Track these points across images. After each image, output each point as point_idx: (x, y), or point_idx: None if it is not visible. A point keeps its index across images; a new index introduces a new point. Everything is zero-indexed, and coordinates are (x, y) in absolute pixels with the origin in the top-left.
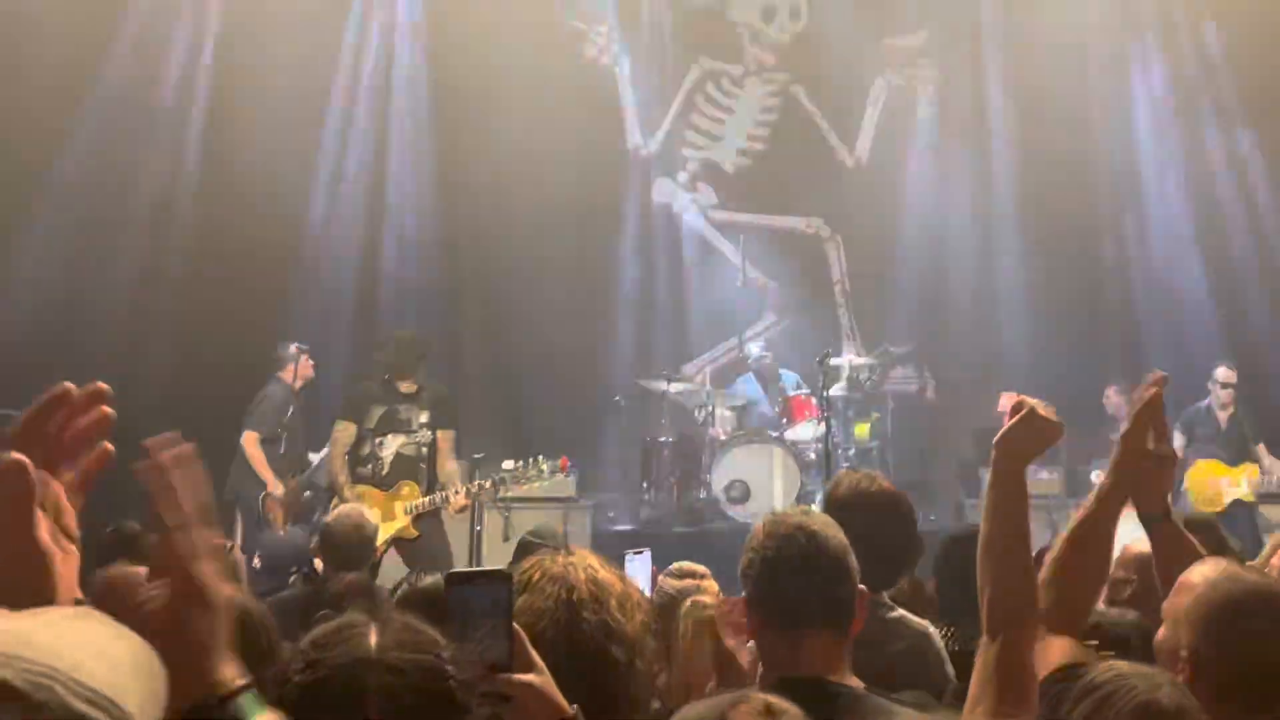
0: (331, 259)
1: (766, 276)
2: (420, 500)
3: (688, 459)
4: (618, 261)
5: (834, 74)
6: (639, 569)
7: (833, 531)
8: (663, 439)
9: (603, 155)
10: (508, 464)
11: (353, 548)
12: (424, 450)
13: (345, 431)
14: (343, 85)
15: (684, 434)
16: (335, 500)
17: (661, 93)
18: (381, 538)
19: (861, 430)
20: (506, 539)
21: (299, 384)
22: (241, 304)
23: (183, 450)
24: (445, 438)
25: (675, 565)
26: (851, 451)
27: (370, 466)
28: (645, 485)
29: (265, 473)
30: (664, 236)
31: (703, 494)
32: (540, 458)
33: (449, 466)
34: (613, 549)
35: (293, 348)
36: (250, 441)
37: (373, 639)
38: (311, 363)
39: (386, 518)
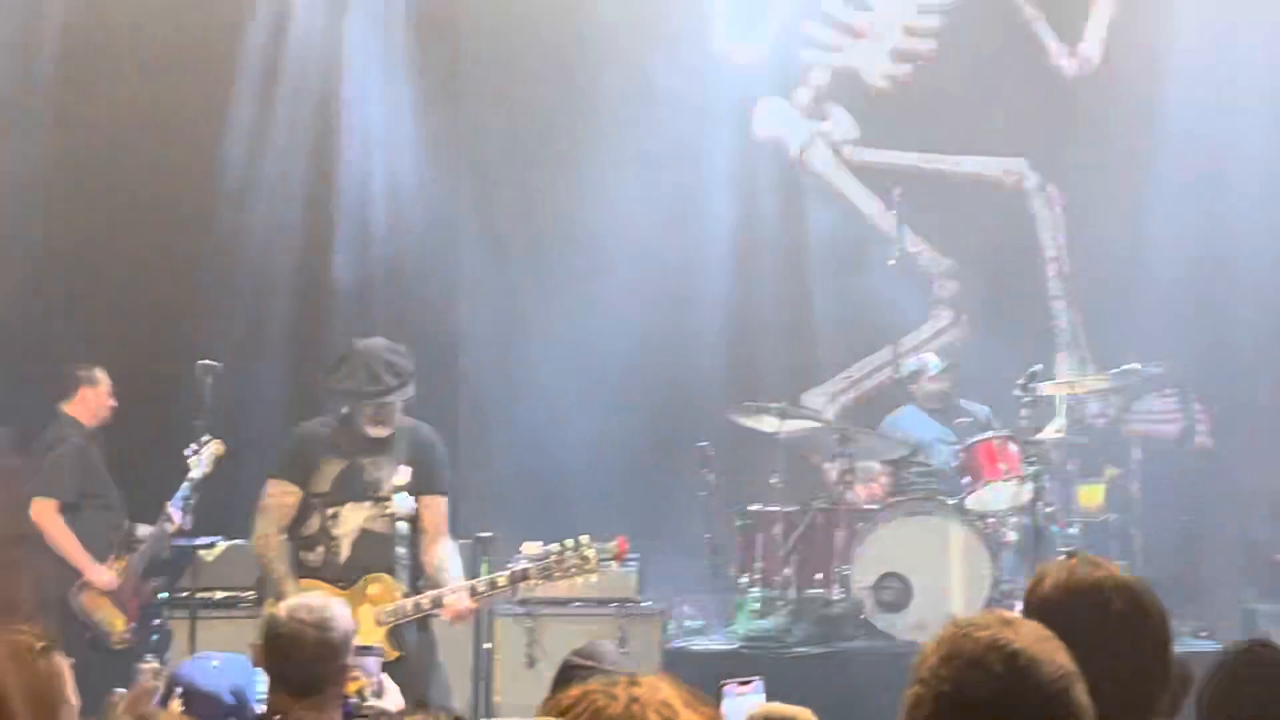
0: (261, 245)
1: (937, 251)
2: (400, 604)
3: (813, 540)
4: (699, 231)
5: None
6: (741, 710)
7: (1048, 653)
8: (773, 508)
9: (674, 64)
10: (532, 546)
11: (314, 663)
12: (402, 526)
13: (283, 497)
14: None
15: (807, 501)
16: (269, 603)
17: None
18: None
19: (1091, 495)
20: (531, 663)
21: (97, 420)
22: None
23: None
24: (434, 506)
25: (767, 712)
26: (1074, 529)
27: (320, 551)
28: (746, 580)
29: (76, 554)
30: (772, 190)
31: (837, 594)
32: (584, 539)
33: (440, 550)
34: (697, 678)
35: (96, 371)
36: (47, 511)
37: None
38: (109, 388)
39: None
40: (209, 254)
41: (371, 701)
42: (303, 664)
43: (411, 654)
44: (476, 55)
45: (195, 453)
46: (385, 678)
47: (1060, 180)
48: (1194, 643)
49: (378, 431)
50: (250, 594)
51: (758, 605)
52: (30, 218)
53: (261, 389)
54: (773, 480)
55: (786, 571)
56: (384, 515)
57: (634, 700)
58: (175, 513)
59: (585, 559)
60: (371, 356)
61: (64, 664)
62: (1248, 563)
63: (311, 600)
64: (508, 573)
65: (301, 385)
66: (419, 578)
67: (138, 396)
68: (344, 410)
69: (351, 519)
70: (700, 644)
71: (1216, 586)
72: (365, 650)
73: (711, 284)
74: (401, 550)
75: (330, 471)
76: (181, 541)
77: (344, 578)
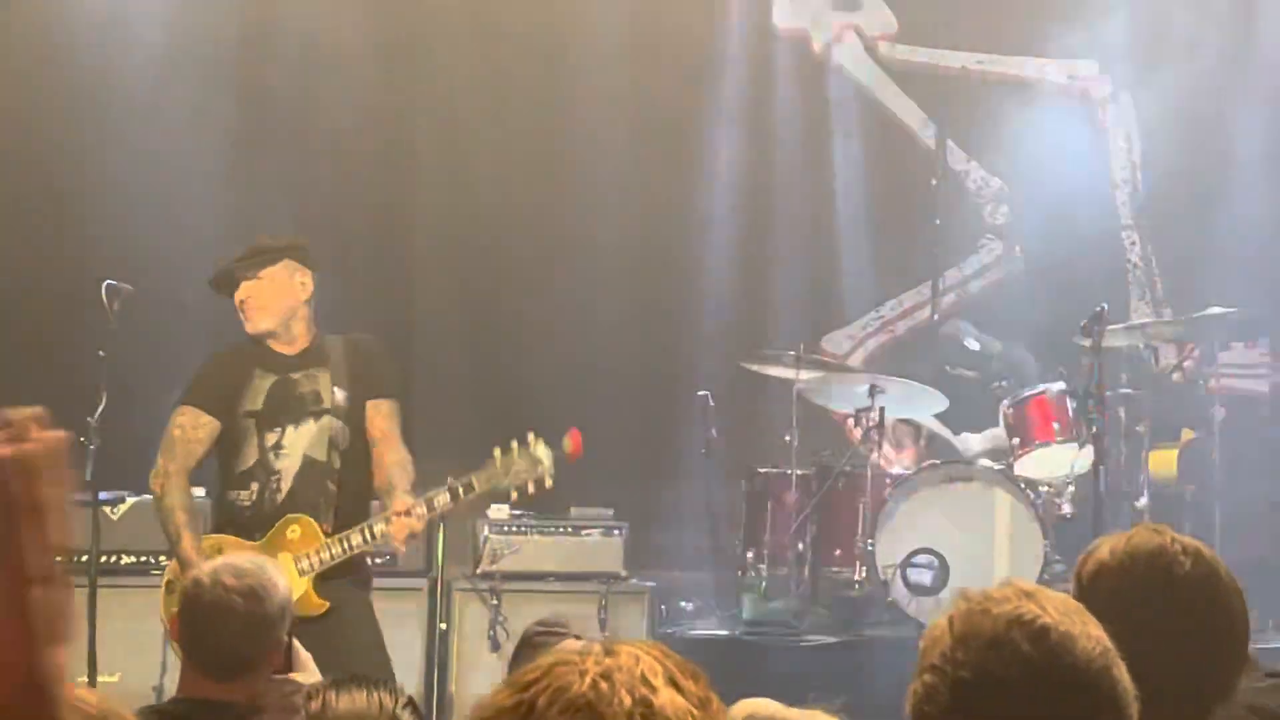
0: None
1: (987, 170)
2: (324, 545)
3: (833, 508)
4: (704, 143)
5: None
6: None
7: (1081, 626)
8: (786, 471)
9: None
10: (497, 511)
11: (242, 640)
12: (338, 455)
13: (192, 430)
14: None
15: (825, 462)
16: (171, 568)
17: None
18: None
19: (1163, 462)
20: (495, 647)
21: None
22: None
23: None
24: (381, 410)
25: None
26: (1143, 499)
27: (255, 489)
28: (751, 554)
29: None
30: (792, 93)
31: (860, 573)
32: (533, 437)
33: (392, 461)
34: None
35: None
36: None
37: None
38: None
39: None
40: (115, 143)
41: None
42: (228, 640)
43: (343, 610)
44: None
45: None
46: (295, 643)
47: (1136, 88)
48: (1271, 639)
49: (287, 345)
50: (163, 559)
51: (765, 585)
52: None
53: (180, 316)
54: (786, 438)
55: (800, 546)
56: (323, 436)
57: (604, 676)
58: None
59: (537, 460)
60: (271, 247)
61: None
62: None
63: (241, 562)
64: (446, 488)
65: (223, 315)
66: (356, 516)
67: (29, 324)
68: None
69: (294, 445)
70: (698, 630)
71: None
72: None
73: (717, 203)
74: (330, 484)
75: (262, 385)
76: (81, 497)
77: (274, 523)
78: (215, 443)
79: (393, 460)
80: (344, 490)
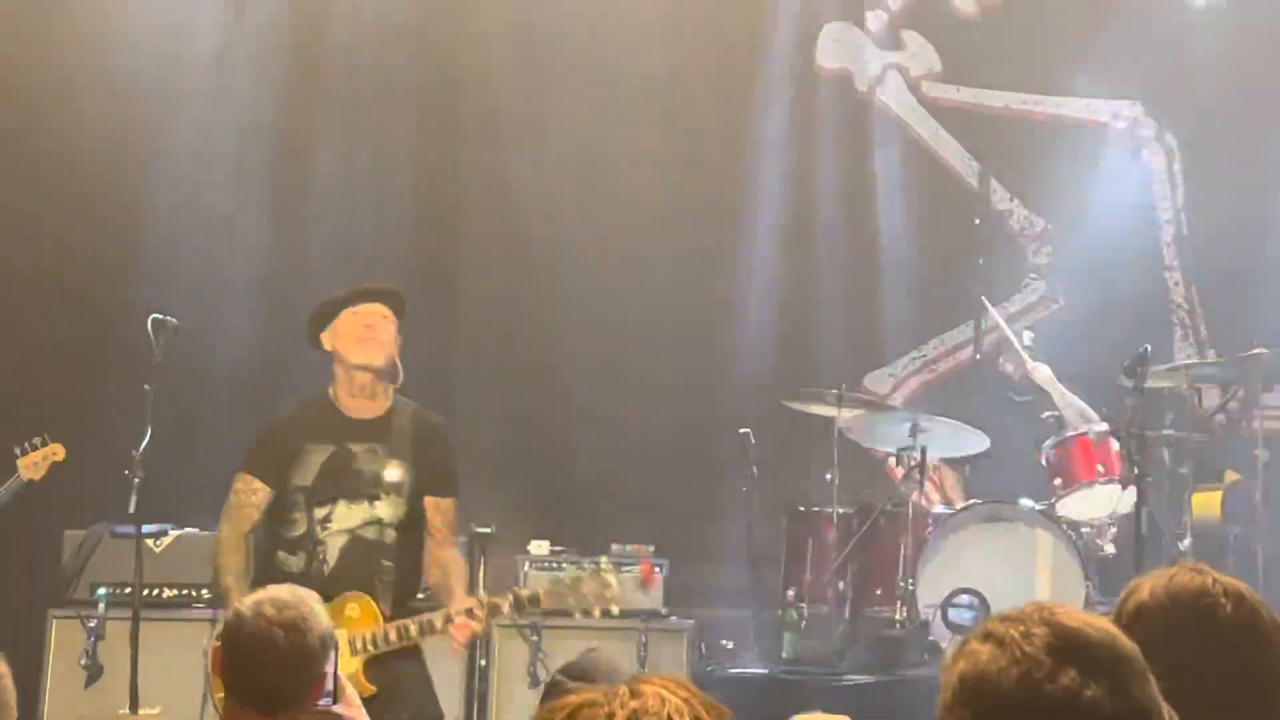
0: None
1: (1030, 210)
2: (382, 631)
3: (874, 547)
4: (748, 180)
5: None
6: None
7: (1125, 664)
8: (826, 510)
9: None
10: (540, 546)
11: (285, 672)
12: (393, 534)
13: (247, 495)
14: None
15: (866, 500)
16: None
17: None
18: None
19: (1207, 503)
20: (535, 683)
21: None
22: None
23: None
24: (443, 510)
25: None
26: (1186, 541)
27: (303, 557)
28: (791, 593)
29: None
30: (835, 132)
31: (901, 613)
32: (604, 561)
33: (448, 559)
34: (731, 710)
35: None
36: None
37: None
38: None
39: None
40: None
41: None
42: (270, 673)
43: (393, 681)
44: None
45: (26, 453)
46: (340, 676)
47: (1181, 129)
48: None
49: (367, 409)
50: (206, 592)
51: (805, 624)
52: None
53: (224, 352)
54: (827, 476)
55: (840, 585)
56: (375, 520)
57: (634, 716)
58: None
59: (606, 584)
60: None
61: (5, 669)
62: None
63: (283, 594)
64: (510, 596)
65: (269, 352)
66: (407, 597)
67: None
68: (328, 392)
69: (343, 521)
70: (737, 668)
71: None
72: None
73: (759, 242)
74: (387, 563)
75: (314, 460)
76: (125, 530)
77: (325, 593)
78: (269, 509)
79: (448, 558)
80: (398, 572)
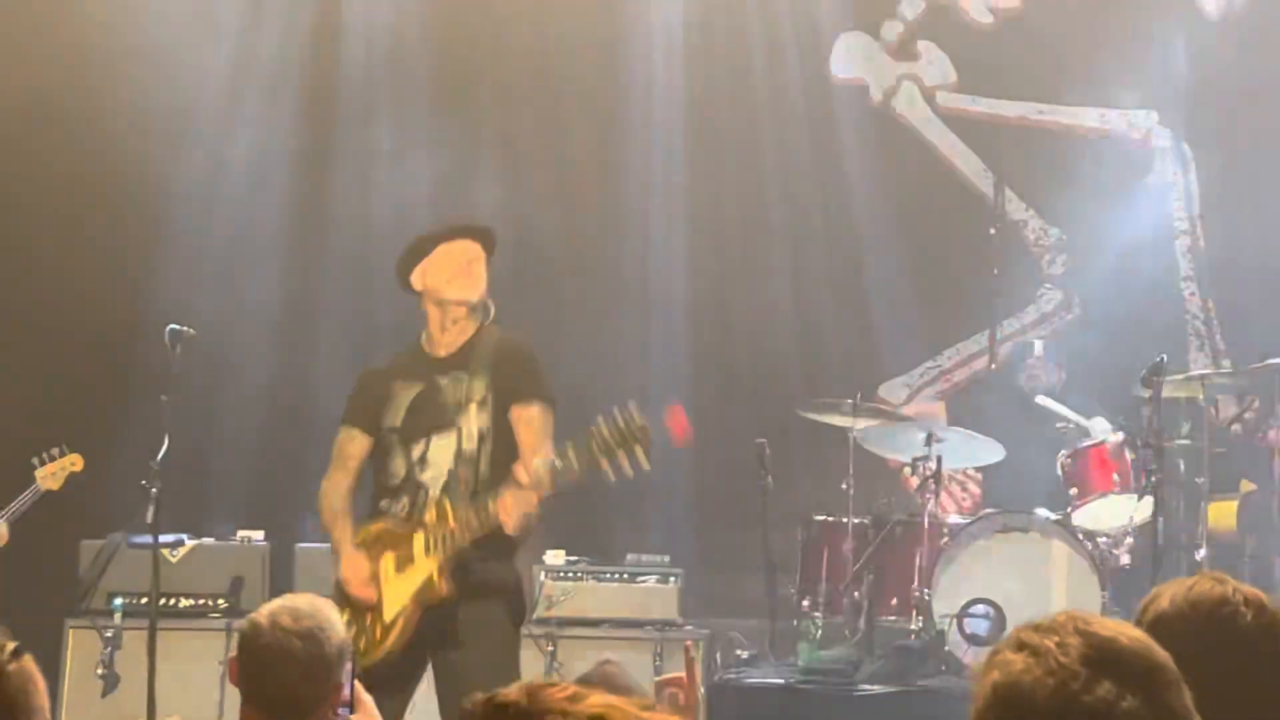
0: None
1: (1046, 220)
2: (450, 529)
3: (888, 558)
4: (765, 191)
5: None
6: None
7: (1160, 673)
8: (842, 519)
9: None
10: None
11: (302, 682)
12: (477, 446)
13: (345, 445)
14: None
15: (882, 510)
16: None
17: None
18: (393, 607)
19: (1223, 513)
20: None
21: None
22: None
23: None
24: (527, 416)
25: None
26: (1202, 551)
27: (405, 503)
28: (807, 602)
29: None
30: (852, 143)
31: (916, 623)
32: (633, 405)
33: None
34: (745, 718)
35: None
36: None
37: None
38: None
39: (401, 567)
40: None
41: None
42: (287, 682)
43: (480, 633)
44: None
45: (45, 463)
46: (357, 685)
47: (1197, 139)
48: None
49: (447, 344)
50: (222, 602)
51: (821, 634)
52: None
53: (243, 364)
54: (843, 486)
55: (856, 595)
56: (474, 442)
57: None
58: (1, 525)
59: (639, 428)
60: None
61: (35, 668)
62: None
63: (299, 604)
64: (575, 446)
65: (288, 363)
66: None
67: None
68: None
69: (440, 458)
70: (753, 678)
71: None
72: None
73: (775, 252)
74: (467, 473)
75: (403, 399)
76: (142, 539)
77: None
78: (370, 456)
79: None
80: (479, 484)
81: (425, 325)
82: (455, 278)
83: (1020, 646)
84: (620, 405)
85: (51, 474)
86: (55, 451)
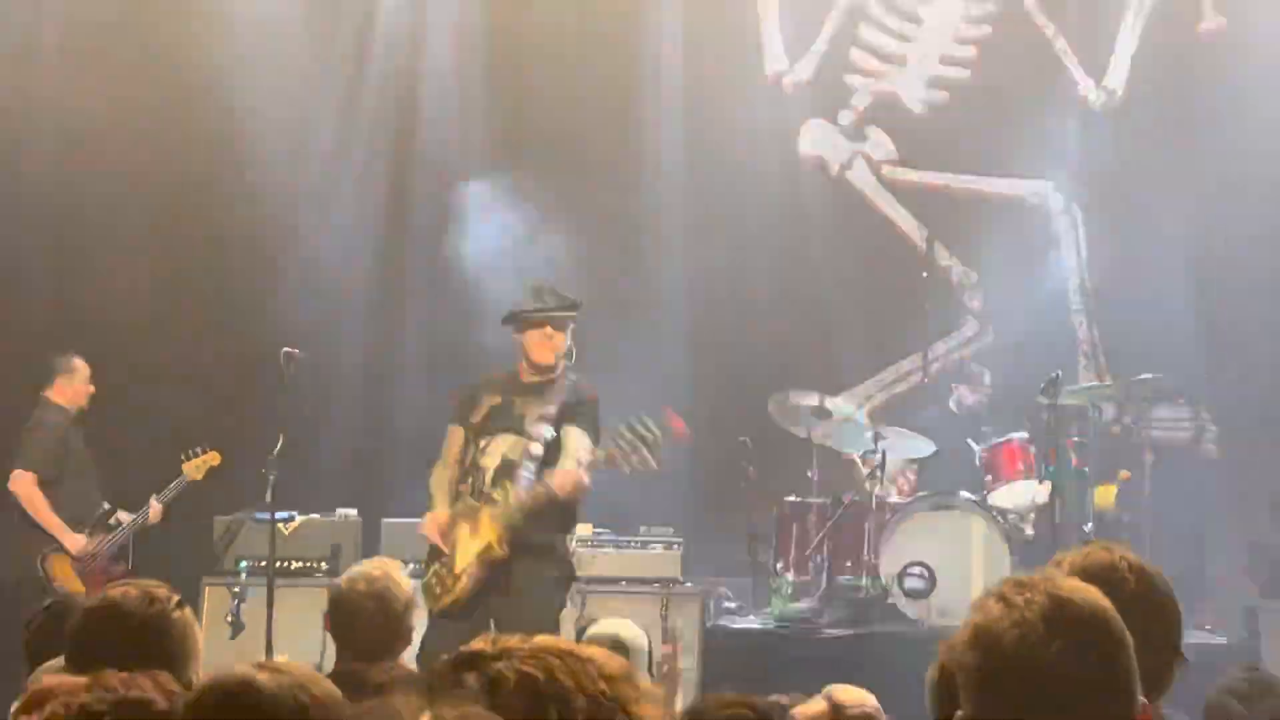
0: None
1: (966, 266)
2: (511, 503)
3: (844, 530)
4: (745, 244)
5: None
6: None
7: (1110, 635)
8: (807, 500)
9: (726, 88)
10: (584, 528)
11: (375, 630)
12: (535, 448)
13: (451, 437)
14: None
15: (839, 494)
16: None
17: None
18: (461, 563)
19: (1105, 495)
20: (579, 636)
21: (76, 405)
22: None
23: None
24: (575, 435)
25: (840, 692)
26: (1089, 526)
27: (470, 482)
28: (780, 566)
29: (51, 521)
30: (815, 206)
31: (865, 581)
32: (645, 417)
33: (569, 463)
34: (736, 655)
35: (74, 360)
36: (26, 483)
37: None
38: (87, 375)
39: (473, 534)
40: (292, 248)
41: None
42: (363, 631)
43: (531, 591)
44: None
45: (190, 458)
46: None
47: (1082, 203)
48: (1198, 635)
49: (536, 371)
50: (324, 565)
51: (792, 589)
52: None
53: (338, 376)
54: (808, 474)
55: (819, 559)
56: (521, 443)
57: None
58: (157, 505)
59: (653, 434)
60: (539, 288)
61: (192, 615)
62: (1250, 562)
63: (371, 570)
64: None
65: (374, 377)
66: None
67: (225, 382)
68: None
69: (498, 449)
70: (738, 623)
71: (1222, 585)
72: None
73: (756, 292)
74: (529, 469)
75: (486, 406)
76: (262, 516)
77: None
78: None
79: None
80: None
81: (520, 358)
82: (537, 347)
83: (1000, 598)
84: (637, 414)
85: (195, 467)
86: (198, 450)
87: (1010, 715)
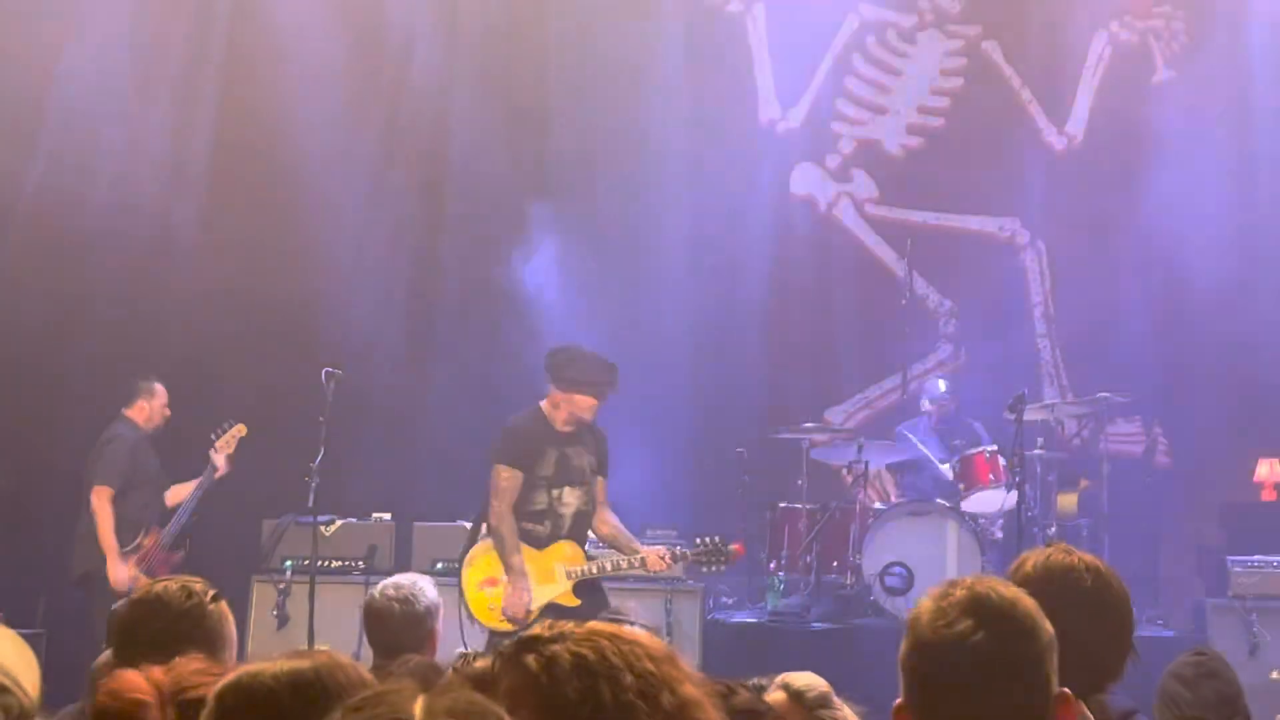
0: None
1: (941, 294)
2: (590, 565)
3: (831, 533)
4: (743, 273)
5: (1039, 26)
6: None
7: (1013, 622)
8: (798, 506)
9: (725, 132)
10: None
11: (401, 631)
12: (591, 504)
13: (512, 480)
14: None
15: (827, 500)
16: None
17: (807, 50)
18: (537, 602)
19: (1067, 502)
20: None
21: (151, 425)
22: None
23: None
24: (601, 486)
25: (793, 679)
26: (1052, 529)
27: (548, 525)
28: (773, 565)
29: (108, 542)
30: (805, 240)
31: (850, 579)
32: (720, 539)
33: (610, 516)
34: (732, 646)
35: (155, 384)
36: (102, 497)
37: (418, 704)
38: (165, 399)
39: (543, 580)
40: (335, 281)
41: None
42: (392, 632)
43: (590, 604)
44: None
45: (221, 434)
46: None
47: (1047, 238)
48: (1151, 629)
49: (570, 424)
50: (361, 564)
51: (783, 586)
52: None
53: (374, 394)
54: (799, 483)
55: (808, 559)
56: (588, 496)
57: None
58: (219, 458)
59: (723, 553)
60: (592, 356)
61: (227, 608)
62: (1198, 564)
63: (401, 579)
64: (691, 548)
65: (406, 396)
66: (585, 541)
67: (272, 398)
68: (544, 402)
69: (571, 500)
70: (735, 618)
71: (1173, 584)
72: None
73: (751, 318)
74: (584, 518)
75: (550, 458)
76: (305, 519)
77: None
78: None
79: (614, 521)
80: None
81: (554, 406)
82: (588, 410)
83: (932, 595)
84: (705, 535)
85: (224, 443)
86: (226, 425)
87: (930, 698)
